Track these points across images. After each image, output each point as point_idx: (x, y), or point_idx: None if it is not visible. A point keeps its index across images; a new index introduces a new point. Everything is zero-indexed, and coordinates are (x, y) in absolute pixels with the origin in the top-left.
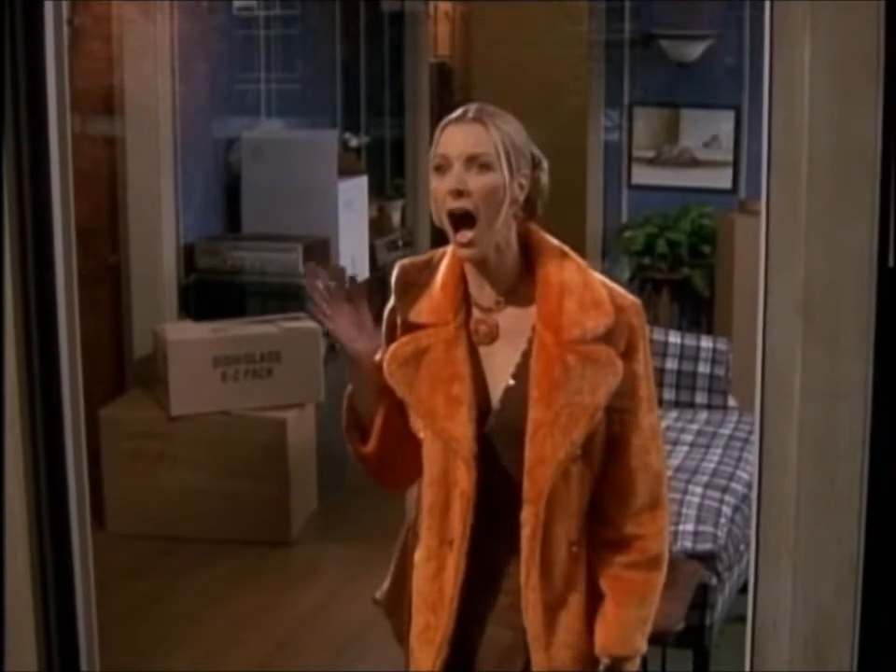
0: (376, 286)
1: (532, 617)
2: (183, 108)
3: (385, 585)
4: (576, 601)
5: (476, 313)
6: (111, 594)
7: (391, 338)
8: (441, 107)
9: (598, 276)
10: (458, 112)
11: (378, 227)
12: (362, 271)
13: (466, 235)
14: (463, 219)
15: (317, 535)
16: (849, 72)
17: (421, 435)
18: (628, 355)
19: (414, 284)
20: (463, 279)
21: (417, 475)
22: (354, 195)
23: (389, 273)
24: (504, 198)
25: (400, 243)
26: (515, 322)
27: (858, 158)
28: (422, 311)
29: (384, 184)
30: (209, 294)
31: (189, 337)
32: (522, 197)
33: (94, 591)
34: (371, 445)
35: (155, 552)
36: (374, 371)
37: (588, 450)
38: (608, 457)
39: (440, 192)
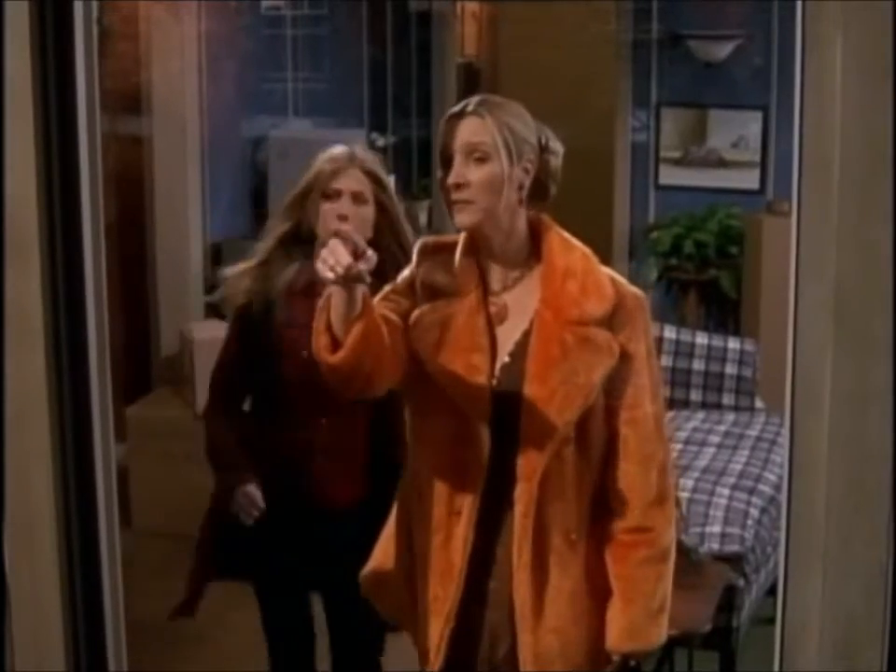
0: None
1: (522, 596)
2: (210, 108)
3: (369, 565)
4: (569, 589)
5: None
6: (137, 592)
7: (405, 292)
8: None
9: (605, 268)
10: (460, 106)
11: None
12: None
13: (460, 207)
14: (464, 206)
15: None
16: (881, 71)
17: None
18: (628, 339)
19: (435, 254)
20: (477, 258)
21: (387, 384)
22: None
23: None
24: (503, 185)
25: None
26: (521, 304)
27: (890, 158)
28: (443, 280)
29: (410, 184)
30: None
31: (215, 336)
32: (527, 182)
33: (122, 590)
34: (341, 355)
35: (181, 550)
36: (360, 289)
37: (583, 434)
38: (612, 449)
39: (443, 184)
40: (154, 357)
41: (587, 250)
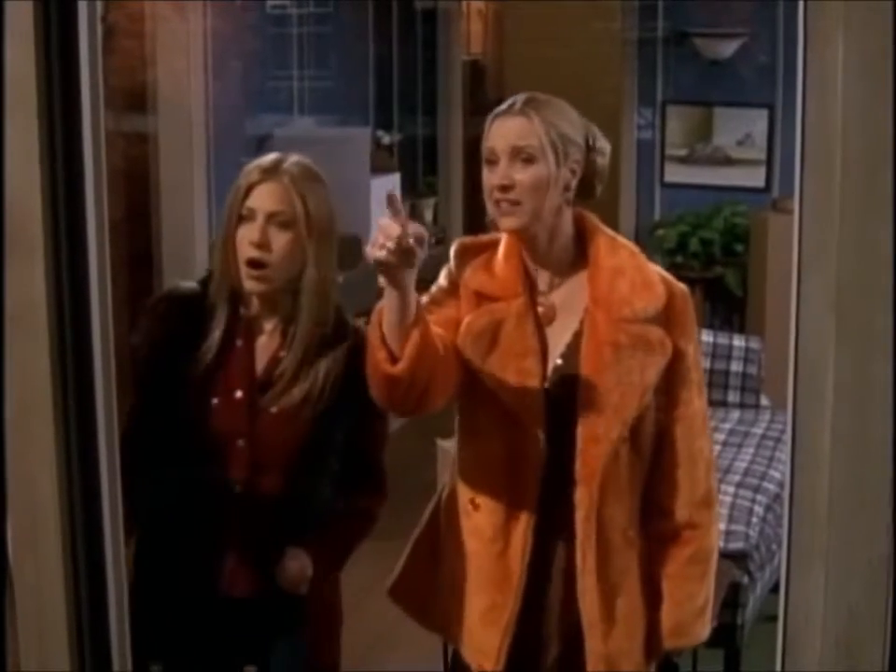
0: None
1: (589, 603)
2: (216, 106)
3: (398, 571)
4: (632, 588)
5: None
6: None
7: (447, 301)
8: (474, 105)
9: (651, 264)
10: (506, 104)
11: None
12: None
13: (507, 210)
14: (510, 209)
15: None
16: (883, 71)
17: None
18: (679, 338)
19: (475, 256)
20: (522, 259)
21: (443, 398)
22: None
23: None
24: (549, 187)
25: (433, 240)
26: (569, 303)
27: (892, 157)
28: (489, 283)
29: (416, 181)
30: None
31: None
32: (574, 182)
33: (126, 590)
34: (402, 365)
35: None
36: (413, 296)
37: (636, 432)
38: (660, 444)
39: (488, 185)
40: None
41: (634, 247)
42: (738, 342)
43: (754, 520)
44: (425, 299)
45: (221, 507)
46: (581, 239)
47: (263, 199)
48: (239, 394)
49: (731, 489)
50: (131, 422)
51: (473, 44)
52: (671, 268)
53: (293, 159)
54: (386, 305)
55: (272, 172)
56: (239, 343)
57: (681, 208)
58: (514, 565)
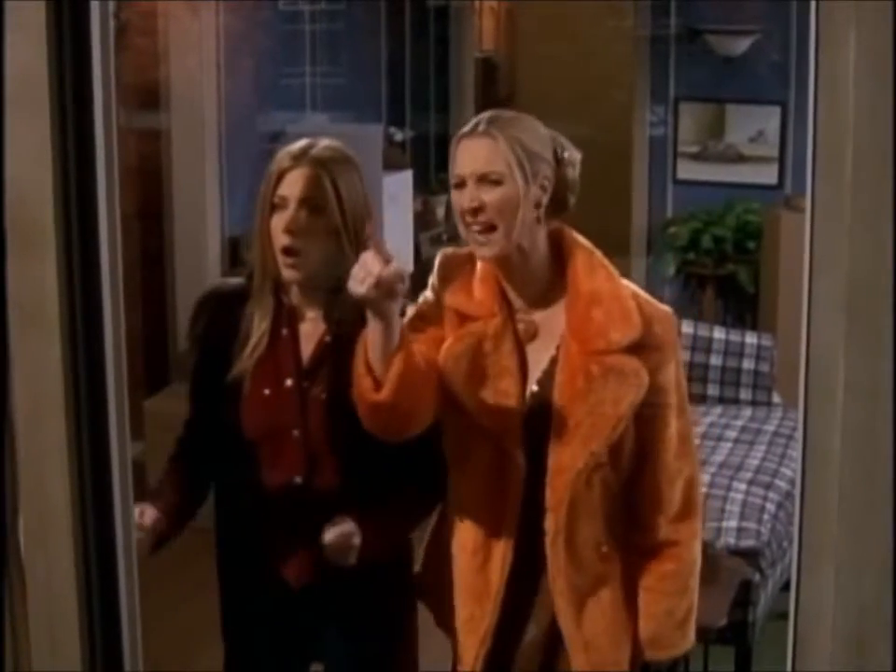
0: (420, 279)
1: (564, 620)
2: (228, 103)
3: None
4: (609, 600)
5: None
6: (156, 586)
7: (432, 317)
8: (486, 102)
9: (630, 286)
10: (470, 125)
11: (422, 221)
12: (406, 265)
13: (482, 240)
14: (481, 231)
15: None
16: (894, 70)
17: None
18: (657, 366)
19: (457, 273)
20: (497, 280)
21: (426, 420)
22: (398, 189)
23: (433, 267)
24: (520, 206)
25: (445, 237)
26: (550, 324)
27: None
28: (467, 303)
29: (428, 178)
30: None
31: None
32: (545, 199)
33: (138, 588)
34: (385, 392)
35: (199, 544)
36: (397, 324)
37: (614, 458)
38: (639, 464)
39: (458, 208)
40: (171, 350)
41: (611, 268)
42: (750, 339)
43: (766, 517)
44: (411, 311)
45: (284, 500)
46: (559, 257)
47: (294, 185)
48: (289, 382)
49: (742, 486)
50: (188, 423)
51: (485, 41)
52: (683, 265)
53: (324, 143)
54: (370, 335)
55: (302, 157)
56: (284, 331)
57: (694, 205)
58: (494, 579)
